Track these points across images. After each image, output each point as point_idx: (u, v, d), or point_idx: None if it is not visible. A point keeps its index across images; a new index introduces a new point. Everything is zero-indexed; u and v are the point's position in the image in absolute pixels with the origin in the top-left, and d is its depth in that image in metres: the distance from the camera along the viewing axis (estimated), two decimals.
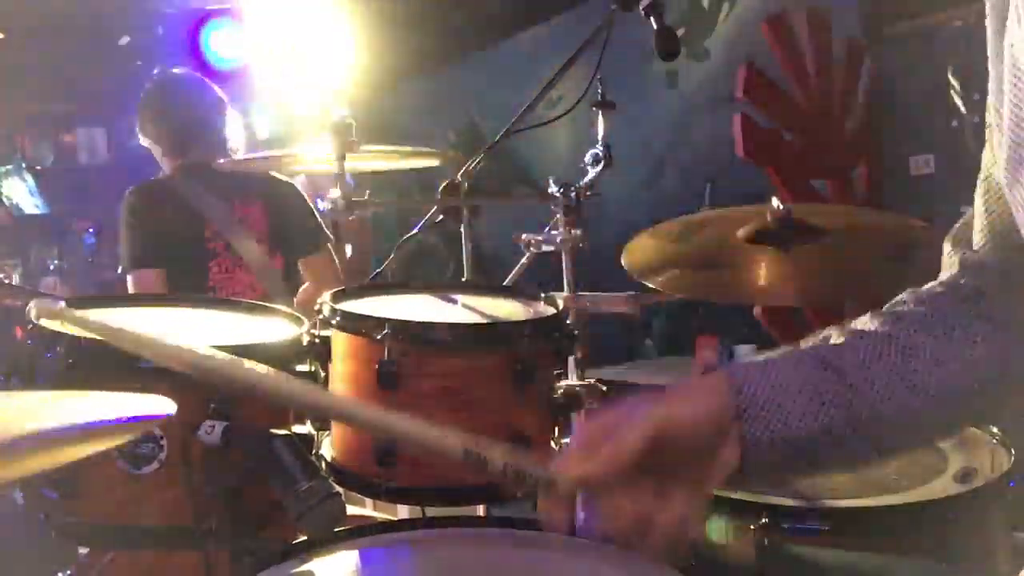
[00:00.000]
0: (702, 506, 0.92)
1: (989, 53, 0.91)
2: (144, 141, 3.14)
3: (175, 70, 3.38)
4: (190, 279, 2.89)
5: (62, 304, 1.04)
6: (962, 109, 3.06)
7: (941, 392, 0.93)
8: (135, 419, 0.80)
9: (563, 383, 1.66)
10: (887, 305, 1.01)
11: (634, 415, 0.89)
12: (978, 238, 1.01)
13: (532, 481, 0.87)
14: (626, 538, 0.88)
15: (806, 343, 0.99)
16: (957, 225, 1.05)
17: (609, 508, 0.87)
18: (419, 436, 0.90)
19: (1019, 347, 0.96)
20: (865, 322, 0.99)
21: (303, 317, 1.61)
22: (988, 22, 0.91)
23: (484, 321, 1.60)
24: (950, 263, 1.04)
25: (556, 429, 1.60)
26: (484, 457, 0.86)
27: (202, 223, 2.94)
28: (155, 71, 3.57)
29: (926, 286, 1.03)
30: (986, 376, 0.95)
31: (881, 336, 0.95)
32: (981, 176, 0.99)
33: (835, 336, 0.98)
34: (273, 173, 3.11)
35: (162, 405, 0.92)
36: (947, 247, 1.05)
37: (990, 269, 0.99)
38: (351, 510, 1.61)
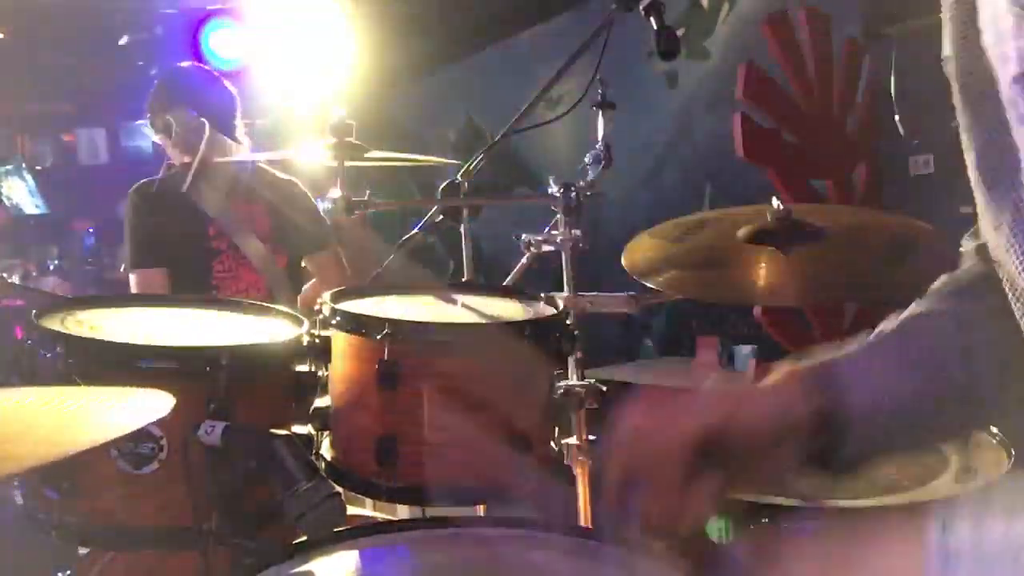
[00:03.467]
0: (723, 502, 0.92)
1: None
2: (152, 134, 3.13)
3: (188, 64, 3.34)
4: (193, 278, 2.89)
5: None
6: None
7: (995, 362, 0.96)
8: (135, 415, 0.80)
9: (563, 383, 1.66)
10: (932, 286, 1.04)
11: (690, 410, 0.89)
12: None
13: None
14: (646, 524, 0.88)
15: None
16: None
17: (640, 496, 0.87)
18: None
19: None
20: (915, 304, 1.01)
21: (303, 317, 1.61)
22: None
23: (484, 321, 1.60)
24: (970, 256, 1.06)
25: (556, 429, 1.60)
26: None
27: (205, 222, 2.94)
28: (154, 71, 3.55)
29: (958, 272, 1.06)
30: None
31: (938, 312, 0.98)
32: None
33: (886, 324, 0.99)
34: (276, 172, 3.11)
35: (161, 402, 0.92)
36: (966, 241, 1.08)
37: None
38: (351, 510, 1.61)
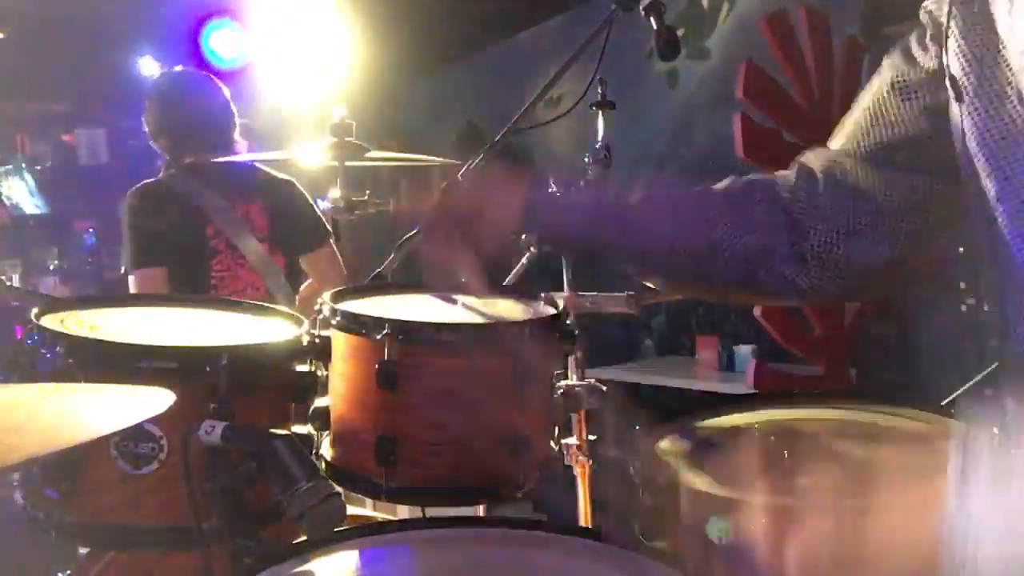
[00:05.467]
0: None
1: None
2: (150, 138, 3.14)
3: (181, 68, 3.36)
4: (192, 278, 2.90)
5: None
6: None
7: (706, 245, 1.19)
8: (135, 410, 0.79)
9: (563, 383, 1.66)
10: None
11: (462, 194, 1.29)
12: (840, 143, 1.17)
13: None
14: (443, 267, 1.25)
15: None
16: None
17: (434, 248, 1.27)
18: None
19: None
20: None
21: (303, 317, 1.61)
22: None
23: (484, 321, 1.60)
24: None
25: (556, 429, 1.60)
26: None
27: (203, 222, 2.94)
28: (154, 71, 3.56)
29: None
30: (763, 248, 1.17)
31: (673, 194, 1.30)
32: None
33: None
34: (273, 172, 3.11)
35: (161, 398, 0.92)
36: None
37: (813, 169, 1.17)
38: (351, 510, 1.61)
